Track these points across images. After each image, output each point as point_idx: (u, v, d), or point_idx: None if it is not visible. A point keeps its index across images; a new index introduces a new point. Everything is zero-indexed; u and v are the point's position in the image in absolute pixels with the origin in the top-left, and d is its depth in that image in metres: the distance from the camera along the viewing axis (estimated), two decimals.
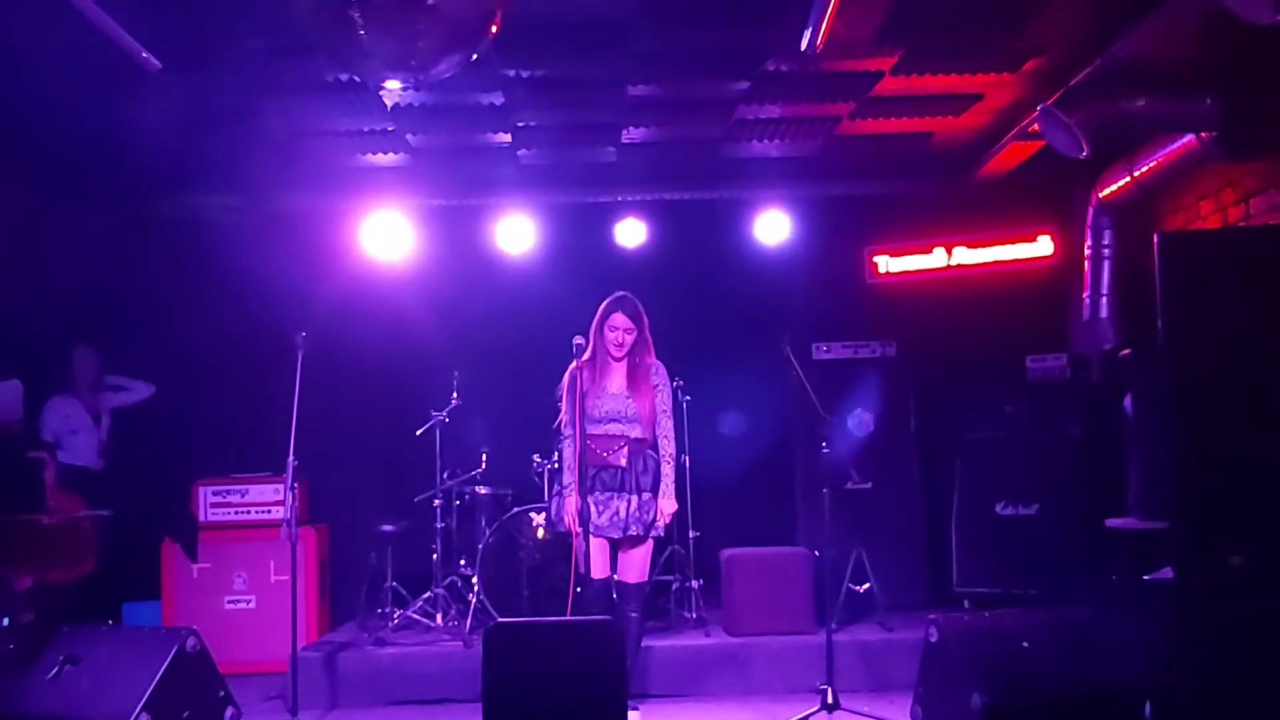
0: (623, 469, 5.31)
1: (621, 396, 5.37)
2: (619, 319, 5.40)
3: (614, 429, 5.35)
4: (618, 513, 5.26)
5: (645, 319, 5.47)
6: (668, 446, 5.44)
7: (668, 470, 5.40)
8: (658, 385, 5.47)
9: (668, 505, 5.37)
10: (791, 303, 7.80)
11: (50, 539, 6.16)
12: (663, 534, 5.46)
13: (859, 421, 7.32)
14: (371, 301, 7.65)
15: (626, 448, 5.34)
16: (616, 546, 5.34)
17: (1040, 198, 7.65)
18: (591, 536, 5.27)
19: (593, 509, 5.27)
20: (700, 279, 7.95)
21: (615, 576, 5.37)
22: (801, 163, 7.53)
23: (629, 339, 5.40)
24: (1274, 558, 4.21)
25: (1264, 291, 4.36)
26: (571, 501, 5.28)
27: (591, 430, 5.33)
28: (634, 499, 5.30)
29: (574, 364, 5.37)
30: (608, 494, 5.30)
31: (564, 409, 5.45)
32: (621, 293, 5.48)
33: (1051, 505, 6.82)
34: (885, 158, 7.44)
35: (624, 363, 5.43)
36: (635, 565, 5.39)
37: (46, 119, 5.93)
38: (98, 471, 7.10)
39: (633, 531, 5.28)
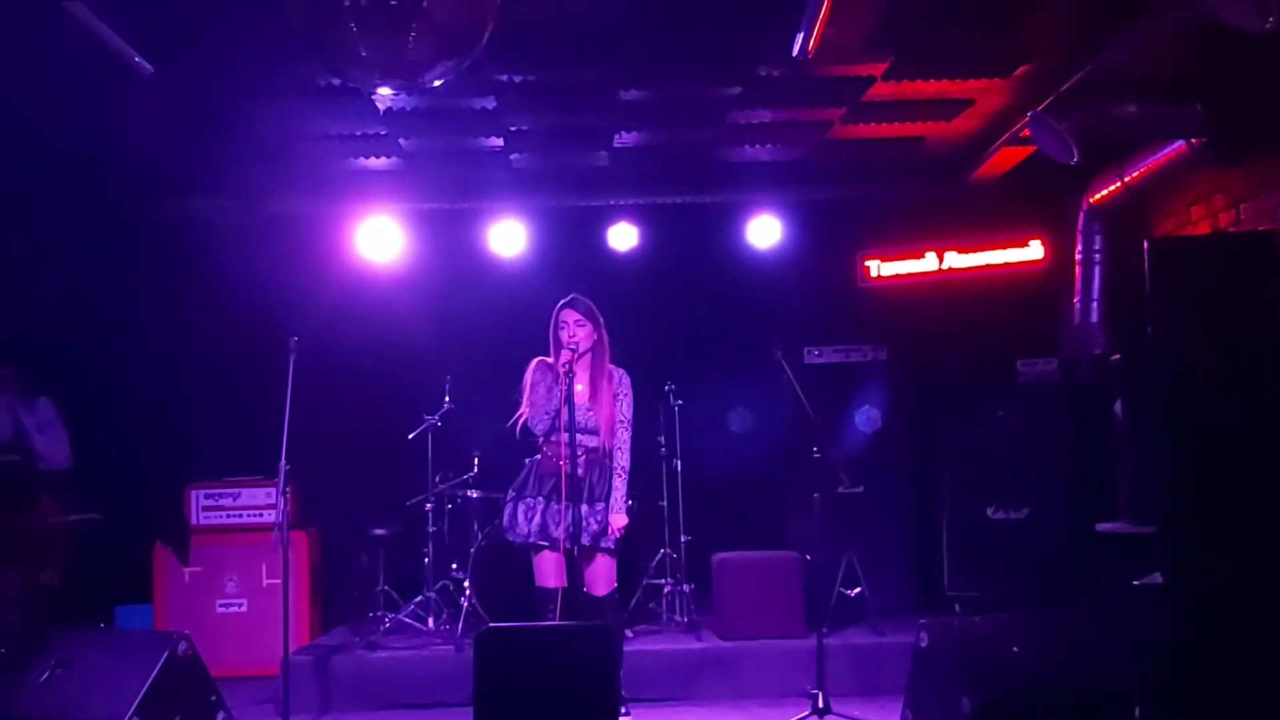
0: (578, 478, 5.25)
1: (582, 408, 5.33)
2: (569, 314, 5.36)
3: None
4: (570, 523, 5.17)
5: (601, 320, 5.43)
6: (622, 459, 5.40)
7: (619, 484, 5.37)
8: (619, 394, 5.44)
9: (617, 519, 5.33)
10: (783, 307, 7.81)
11: (36, 539, 6.17)
12: (613, 547, 5.38)
13: (867, 418, 7.29)
14: (364, 305, 7.64)
15: (584, 457, 5.29)
16: (577, 557, 5.28)
17: (1031, 203, 7.66)
18: (544, 546, 5.27)
19: (546, 518, 5.27)
20: (692, 283, 7.98)
21: (585, 589, 5.34)
22: (793, 167, 7.54)
23: (581, 332, 5.34)
24: (1262, 561, 4.24)
25: (1253, 296, 4.38)
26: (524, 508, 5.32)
27: (551, 437, 5.33)
28: (585, 509, 5.25)
29: (536, 359, 5.37)
30: (561, 504, 5.23)
31: (524, 403, 5.40)
32: (574, 295, 5.45)
33: (1042, 509, 6.83)
34: (877, 162, 7.46)
35: (584, 370, 5.37)
36: (601, 576, 5.37)
37: (39, 123, 5.93)
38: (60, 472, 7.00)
39: (583, 542, 5.22)
